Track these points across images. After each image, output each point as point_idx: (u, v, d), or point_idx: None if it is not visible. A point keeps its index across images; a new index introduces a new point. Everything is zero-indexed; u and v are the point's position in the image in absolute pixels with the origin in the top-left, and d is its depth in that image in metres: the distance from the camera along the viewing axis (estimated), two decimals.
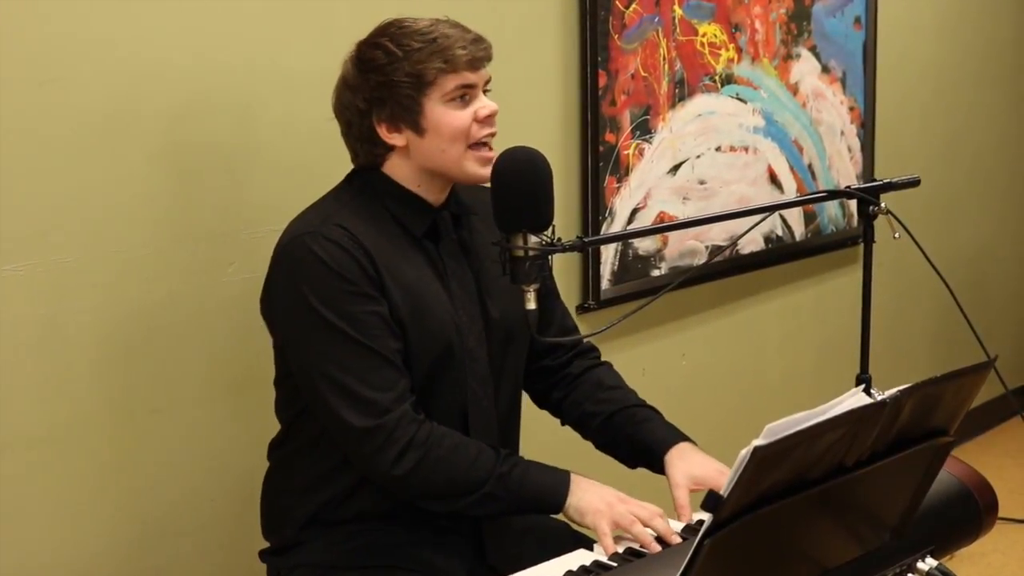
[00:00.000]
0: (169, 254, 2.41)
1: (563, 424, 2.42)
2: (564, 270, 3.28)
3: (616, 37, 3.29)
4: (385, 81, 2.10)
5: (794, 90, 3.97)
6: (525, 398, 2.41)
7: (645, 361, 3.60)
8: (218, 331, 2.47)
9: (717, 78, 3.66)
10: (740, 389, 3.98)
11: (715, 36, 3.63)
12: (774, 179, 3.91)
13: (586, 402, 2.37)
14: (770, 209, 2.37)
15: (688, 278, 3.47)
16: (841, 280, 4.31)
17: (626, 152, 3.36)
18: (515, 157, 2.01)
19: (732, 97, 3.72)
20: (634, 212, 3.40)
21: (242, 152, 2.51)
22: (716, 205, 3.67)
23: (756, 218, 2.42)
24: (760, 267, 3.92)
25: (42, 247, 2.24)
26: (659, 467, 2.23)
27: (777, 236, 3.95)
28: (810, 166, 4.07)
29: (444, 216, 2.19)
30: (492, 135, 2.15)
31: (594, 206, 3.28)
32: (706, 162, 3.64)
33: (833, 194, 2.48)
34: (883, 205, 2.43)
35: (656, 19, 3.41)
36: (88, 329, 2.31)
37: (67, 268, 2.27)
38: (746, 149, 3.80)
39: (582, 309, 3.34)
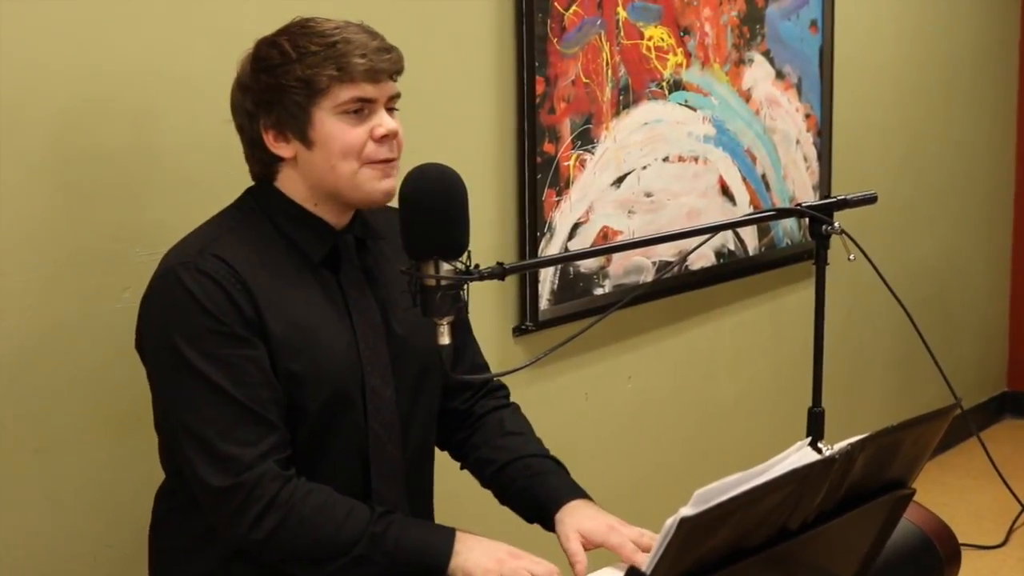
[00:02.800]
0: (52, 279, 2.17)
1: (461, 468, 2.21)
2: (499, 289, 3.07)
3: (555, 41, 3.08)
4: (274, 84, 1.89)
5: (747, 97, 3.78)
6: None
7: (587, 385, 3.40)
8: (109, 363, 2.23)
9: (664, 84, 3.45)
10: (691, 413, 3.79)
11: (662, 40, 3.42)
12: (726, 191, 3.71)
13: (483, 446, 2.16)
14: (715, 229, 2.17)
15: (634, 296, 3.27)
16: (797, 295, 4.13)
17: (566, 163, 3.16)
18: (425, 175, 1.80)
19: (681, 104, 3.52)
20: (575, 227, 3.20)
21: (138, 163, 2.27)
22: (664, 218, 3.47)
23: (703, 236, 2.22)
24: (711, 283, 3.73)
25: None
26: (551, 525, 2.03)
27: (729, 251, 3.75)
28: (764, 177, 3.88)
29: (347, 240, 1.98)
30: (391, 160, 1.93)
31: (531, 221, 3.07)
32: (653, 173, 3.44)
33: (783, 212, 2.28)
34: (837, 225, 2.23)
35: (599, 22, 3.21)
36: None
37: None
38: (696, 159, 3.60)
39: (519, 331, 3.13)
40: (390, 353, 1.98)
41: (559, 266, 3.17)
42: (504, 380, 3.09)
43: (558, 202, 3.14)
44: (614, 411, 3.49)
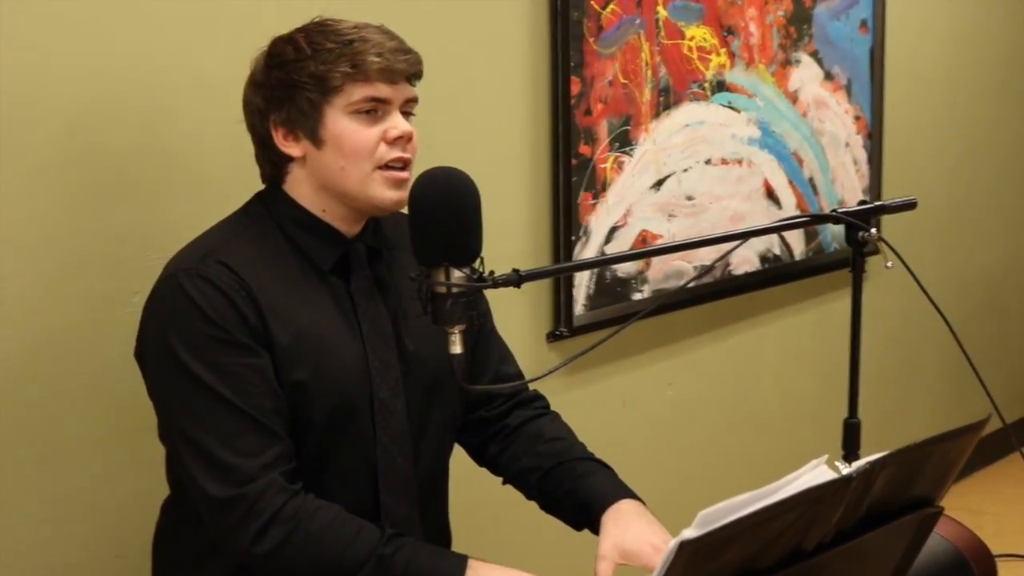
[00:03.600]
0: (59, 282, 2.12)
1: (503, 483, 2.13)
2: (534, 294, 3.02)
3: (592, 40, 3.01)
4: (287, 80, 1.83)
5: (793, 98, 3.69)
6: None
7: (626, 392, 3.33)
8: (117, 369, 2.17)
9: (707, 85, 3.38)
10: (732, 421, 3.70)
11: (704, 40, 3.35)
12: (771, 194, 3.63)
13: (524, 456, 2.08)
14: (742, 236, 2.09)
15: (665, 303, 3.20)
16: (845, 301, 3.99)
17: (603, 166, 3.09)
18: (434, 179, 1.74)
19: (724, 106, 3.44)
20: (612, 231, 3.13)
21: (148, 164, 2.22)
22: (706, 222, 3.40)
23: (734, 242, 2.14)
24: (755, 288, 3.64)
25: None
26: (597, 527, 1.93)
27: (774, 255, 3.67)
28: (811, 180, 3.79)
29: (358, 248, 1.91)
30: (405, 161, 1.86)
31: (566, 225, 3.00)
32: (694, 176, 3.36)
33: (817, 218, 2.21)
34: (873, 231, 2.15)
35: (637, 21, 3.14)
36: None
37: None
38: (740, 162, 3.52)
39: (553, 337, 3.06)
40: (401, 364, 1.92)
41: (595, 271, 3.10)
42: (543, 387, 3.07)
43: (594, 205, 3.07)
44: (653, 419, 3.42)
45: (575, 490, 1.99)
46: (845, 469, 1.37)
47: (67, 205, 2.13)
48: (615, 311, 3.17)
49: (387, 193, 1.85)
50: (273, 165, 1.91)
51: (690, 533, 1.21)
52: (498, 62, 2.89)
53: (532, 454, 2.07)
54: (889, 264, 2.20)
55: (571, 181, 3.00)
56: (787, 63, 3.65)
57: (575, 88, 2.98)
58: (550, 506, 2.05)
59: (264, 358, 1.79)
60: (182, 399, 1.78)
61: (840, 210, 2.16)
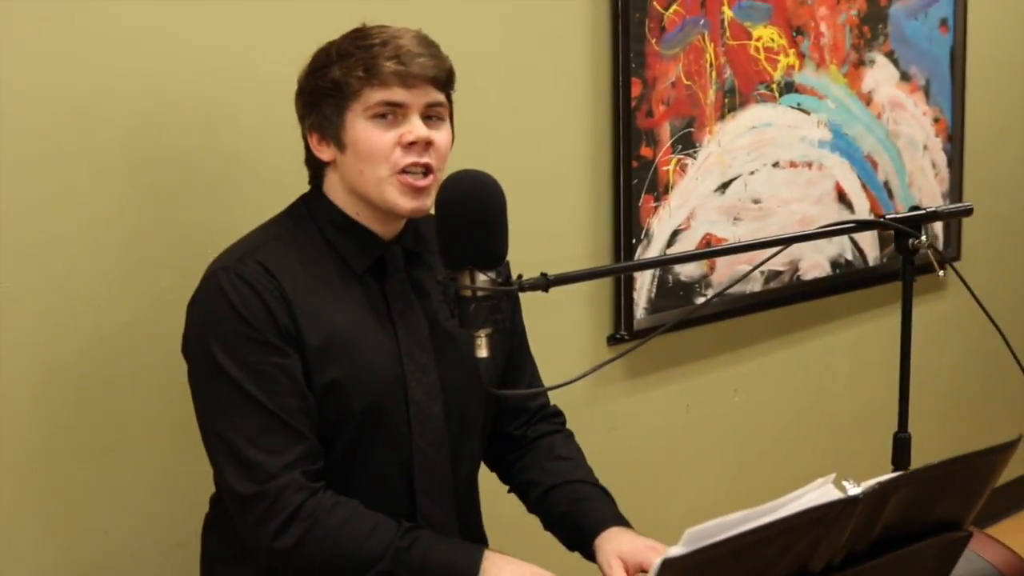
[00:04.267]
0: (124, 280, 2.17)
1: (508, 491, 2.13)
2: (595, 297, 2.99)
3: (654, 42, 2.97)
4: (316, 86, 1.86)
5: (867, 100, 3.61)
6: None
7: (690, 396, 3.29)
8: (179, 365, 2.19)
9: (775, 86, 3.32)
10: (804, 429, 3.63)
11: (772, 40, 3.29)
12: (843, 198, 3.56)
13: (532, 468, 2.08)
14: (785, 242, 2.05)
15: (691, 316, 3.15)
16: (927, 308, 3.93)
17: (665, 168, 3.05)
18: (460, 183, 1.73)
19: (793, 107, 3.38)
20: (675, 234, 3.09)
21: (213, 167, 2.26)
22: (774, 226, 3.34)
23: (773, 249, 2.10)
24: (826, 294, 3.57)
25: None
26: (590, 552, 1.94)
27: (846, 260, 3.59)
28: (886, 183, 3.71)
29: (395, 251, 1.91)
30: (423, 166, 1.85)
31: (626, 228, 2.97)
32: (761, 179, 3.31)
33: (863, 224, 2.14)
34: (924, 238, 2.09)
35: (701, 21, 3.09)
36: (30, 361, 2.09)
37: (5, 295, 2.04)
38: (809, 165, 3.45)
39: (613, 340, 3.03)
40: (439, 368, 1.91)
41: (656, 274, 3.06)
42: (604, 391, 3.04)
43: (656, 208, 3.03)
44: (718, 424, 3.37)
45: (571, 513, 2.00)
46: (852, 489, 1.32)
47: (132, 206, 2.17)
48: (677, 315, 3.13)
49: (400, 199, 1.85)
50: (313, 169, 1.94)
51: (676, 551, 1.18)
52: (559, 64, 2.87)
53: (538, 468, 2.08)
54: (942, 273, 2.14)
55: (631, 183, 2.97)
56: (860, 64, 3.57)
57: (636, 90, 2.94)
58: (547, 523, 2.06)
59: (293, 358, 1.80)
60: (215, 395, 1.81)
61: (889, 216, 2.10)
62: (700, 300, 3.19)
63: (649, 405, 3.19)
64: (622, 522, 1.97)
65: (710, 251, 2.11)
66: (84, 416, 2.16)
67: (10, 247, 2.04)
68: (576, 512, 1.99)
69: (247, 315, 1.78)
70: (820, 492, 1.33)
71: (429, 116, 1.88)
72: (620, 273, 1.78)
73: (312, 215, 1.91)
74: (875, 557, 1.42)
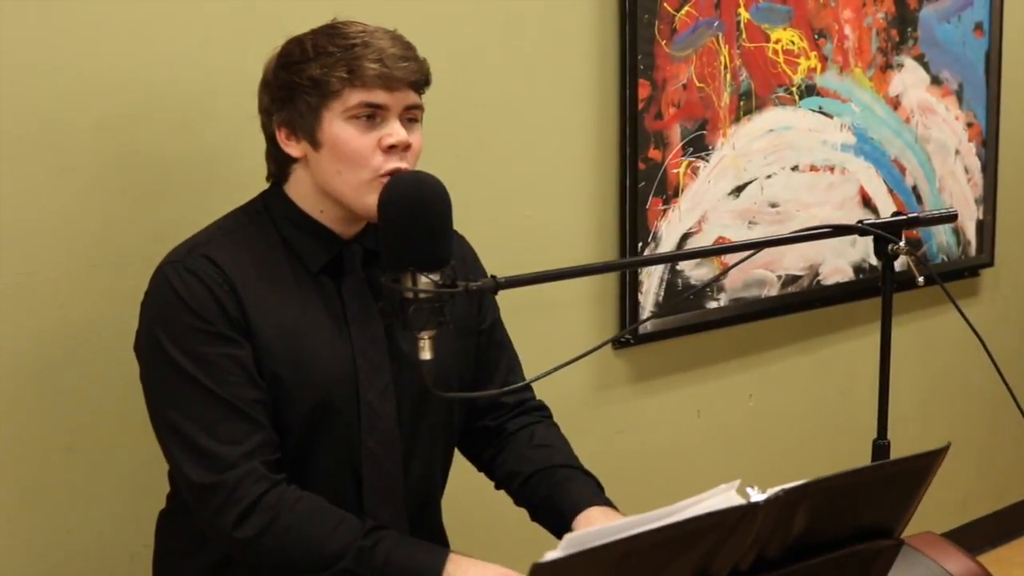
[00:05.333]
0: (87, 278, 2.17)
1: (496, 488, 2.11)
2: (600, 300, 2.97)
3: (664, 43, 2.95)
4: (289, 81, 1.84)
5: (894, 104, 3.55)
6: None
7: (701, 401, 3.26)
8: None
9: (794, 89, 3.28)
10: (823, 437, 3.58)
11: (792, 43, 3.25)
12: (867, 202, 3.51)
13: (512, 460, 2.06)
14: (756, 246, 2.02)
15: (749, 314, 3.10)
16: (952, 316, 3.85)
17: (675, 171, 3.02)
18: (401, 184, 1.74)
19: (814, 111, 3.33)
20: (685, 237, 3.06)
21: (182, 165, 2.26)
22: (792, 230, 3.28)
23: (747, 252, 2.08)
24: (848, 300, 3.52)
25: None
26: None
27: (869, 265, 3.54)
28: (915, 188, 3.65)
29: (353, 250, 1.91)
30: (401, 171, 1.83)
31: (632, 230, 2.95)
32: (779, 183, 3.27)
33: (840, 229, 2.10)
34: (902, 244, 2.06)
35: (715, 23, 3.06)
36: None
37: None
38: (832, 169, 3.40)
39: (619, 344, 3.02)
40: (394, 368, 1.91)
41: (665, 277, 3.04)
42: (610, 394, 3.03)
43: (665, 211, 3.01)
44: (731, 430, 3.34)
45: (551, 497, 1.98)
46: (755, 496, 1.30)
47: (98, 202, 2.18)
48: (686, 319, 3.11)
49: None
50: (278, 164, 1.92)
51: (551, 555, 1.17)
52: (564, 65, 2.86)
53: (519, 457, 2.06)
54: (920, 280, 2.10)
55: (638, 186, 2.95)
56: (888, 67, 3.51)
57: (644, 91, 2.92)
58: (533, 514, 2.03)
59: (246, 349, 1.81)
60: (166, 388, 1.81)
61: (867, 221, 2.07)
62: (712, 304, 3.16)
63: (657, 409, 3.16)
64: (601, 500, 1.94)
65: (678, 254, 2.07)
66: (46, 414, 2.16)
67: None
68: (555, 496, 1.97)
69: (196, 307, 1.79)
70: (720, 498, 1.31)
71: (408, 118, 1.87)
72: (573, 276, 1.74)
73: (269, 212, 1.91)
74: (792, 563, 1.39)
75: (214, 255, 1.82)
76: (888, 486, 1.45)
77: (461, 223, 2.65)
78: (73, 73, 2.13)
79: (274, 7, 2.35)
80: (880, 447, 2.13)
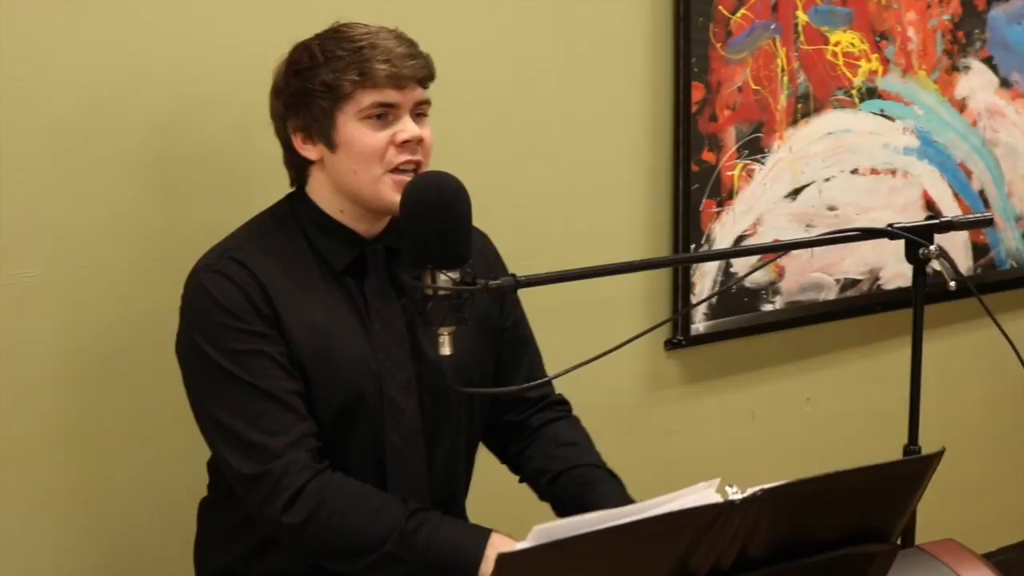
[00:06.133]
0: (147, 272, 2.26)
1: (520, 481, 2.15)
2: (651, 300, 2.99)
3: (719, 46, 2.96)
4: (302, 87, 1.90)
5: (960, 107, 3.51)
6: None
7: (756, 404, 3.26)
8: None
9: (855, 92, 3.26)
10: (882, 444, 3.54)
11: (852, 45, 3.23)
12: (931, 206, 3.47)
13: (538, 457, 2.11)
14: (777, 248, 2.03)
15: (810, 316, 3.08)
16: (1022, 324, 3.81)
17: (729, 173, 3.03)
18: (422, 184, 1.78)
19: (875, 114, 3.31)
20: (739, 239, 3.07)
21: (240, 163, 2.34)
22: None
23: (763, 257, 2.08)
24: (909, 305, 3.47)
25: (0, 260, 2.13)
26: None
27: (934, 270, 3.49)
28: (982, 192, 3.60)
29: (376, 249, 1.96)
30: (415, 163, 1.90)
31: (684, 232, 2.97)
32: (838, 186, 3.26)
33: (869, 232, 2.10)
34: (934, 247, 2.05)
35: (772, 26, 3.06)
36: (53, 346, 2.20)
37: (28, 283, 2.16)
38: (893, 172, 3.38)
39: (670, 345, 3.03)
40: (416, 364, 1.96)
41: (718, 279, 3.05)
42: (662, 395, 3.04)
43: (718, 213, 3.02)
44: (786, 434, 3.33)
45: (579, 496, 2.01)
46: (734, 495, 1.32)
47: (155, 198, 2.27)
48: (740, 322, 3.11)
49: (394, 196, 1.88)
50: (296, 168, 1.98)
51: (521, 545, 1.20)
52: (618, 68, 2.88)
53: (545, 456, 2.10)
54: (952, 284, 2.09)
55: (691, 188, 2.96)
56: (953, 69, 3.48)
57: (698, 94, 2.93)
58: (558, 511, 2.06)
59: (279, 345, 1.87)
60: (209, 387, 1.88)
61: (897, 224, 2.07)
62: (767, 307, 3.16)
63: (710, 411, 3.17)
64: (627, 502, 1.97)
65: (695, 256, 2.08)
66: (106, 401, 2.25)
67: (35, 238, 2.15)
68: (583, 495, 2.00)
69: (230, 307, 1.85)
70: (698, 496, 1.33)
71: (417, 114, 1.92)
72: (595, 276, 1.74)
73: (295, 215, 1.97)
74: (781, 563, 1.41)
75: (244, 259, 1.89)
76: (880, 490, 1.45)
77: (511, 223, 2.71)
78: (136, 78, 2.22)
79: (332, 13, 2.41)
80: (911, 452, 2.12)
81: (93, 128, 2.18)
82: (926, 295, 3.48)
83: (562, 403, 2.20)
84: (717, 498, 1.32)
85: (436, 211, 1.74)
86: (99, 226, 2.21)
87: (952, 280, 2.09)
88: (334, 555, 1.84)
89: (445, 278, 1.73)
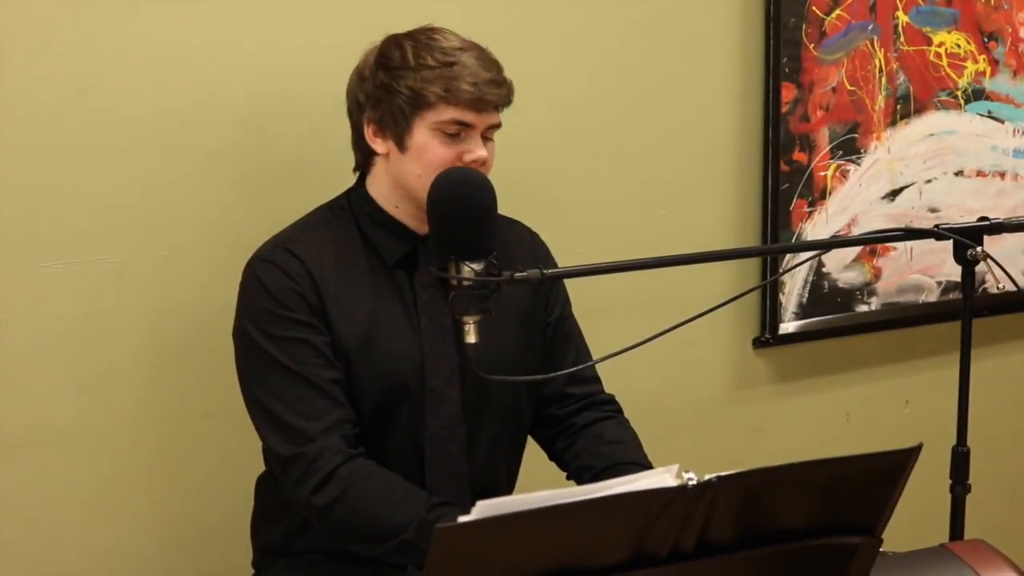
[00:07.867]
0: (226, 262, 2.36)
1: (567, 478, 2.21)
2: (742, 300, 3.00)
3: (811, 46, 2.97)
4: (387, 84, 1.98)
5: None
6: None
7: (850, 405, 3.25)
8: None
9: (959, 93, 3.23)
10: (986, 449, 3.48)
11: (957, 46, 3.20)
12: None
13: (584, 454, 2.16)
14: (818, 246, 2.05)
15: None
16: None
17: (822, 173, 3.03)
18: (448, 179, 1.86)
19: (982, 115, 3.27)
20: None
21: (313, 159, 2.44)
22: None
23: (805, 254, 2.10)
24: (1015, 310, 3.42)
25: (81, 247, 2.27)
26: None
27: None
28: None
29: (427, 245, 2.03)
30: None
31: (774, 231, 2.98)
32: (941, 188, 3.23)
33: (915, 233, 2.10)
34: (981, 249, 2.04)
35: (870, 27, 3.05)
36: (132, 330, 2.32)
37: (108, 269, 2.29)
38: (1002, 175, 3.33)
39: (758, 343, 3.05)
40: (459, 356, 2.03)
41: (809, 279, 3.05)
42: (750, 394, 3.06)
43: (810, 213, 3.02)
44: (883, 436, 3.30)
45: None
46: (690, 480, 1.36)
47: (238, 194, 2.38)
48: (832, 322, 3.11)
49: None
50: (361, 154, 2.08)
51: (461, 520, 1.25)
52: (707, 67, 2.91)
53: (590, 454, 2.14)
54: (1001, 285, 2.08)
55: (780, 188, 2.97)
56: None
57: (789, 94, 2.95)
58: None
59: (324, 335, 1.97)
60: (254, 370, 2.00)
61: (944, 225, 2.07)
62: (862, 308, 3.15)
63: (802, 410, 3.17)
64: None
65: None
66: (187, 384, 2.38)
67: (122, 227, 2.28)
68: None
69: (279, 296, 1.96)
70: (653, 480, 1.37)
71: (486, 136, 2.00)
72: (619, 271, 1.76)
73: (353, 208, 2.07)
74: (751, 548, 1.43)
75: (297, 249, 2.00)
76: (855, 483, 1.47)
77: (598, 223, 2.77)
78: (217, 75, 2.33)
79: (411, 8, 2.50)
80: (959, 454, 2.12)
81: (175, 124, 2.30)
82: None
83: (610, 403, 2.25)
84: (673, 483, 1.36)
85: (460, 203, 1.82)
86: (178, 216, 2.33)
87: (1001, 283, 2.06)
88: (356, 538, 1.94)
89: (468, 269, 1.81)
